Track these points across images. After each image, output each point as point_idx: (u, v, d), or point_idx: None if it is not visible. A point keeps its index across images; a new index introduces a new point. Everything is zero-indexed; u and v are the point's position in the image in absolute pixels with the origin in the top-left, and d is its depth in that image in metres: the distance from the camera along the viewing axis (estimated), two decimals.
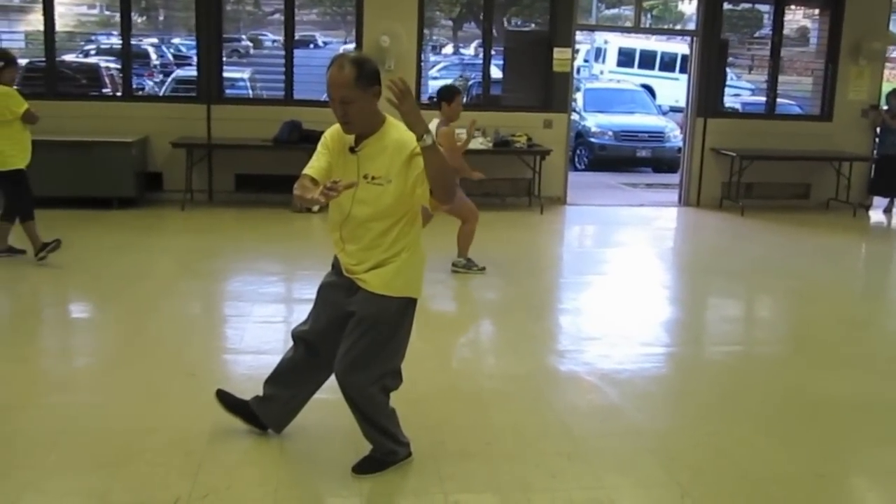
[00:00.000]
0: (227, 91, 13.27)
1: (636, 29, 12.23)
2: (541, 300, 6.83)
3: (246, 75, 14.32)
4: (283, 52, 10.55)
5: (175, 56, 19.98)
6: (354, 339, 3.48)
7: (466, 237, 7.21)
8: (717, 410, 4.66)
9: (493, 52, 10.88)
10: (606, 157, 14.33)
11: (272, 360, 4.03)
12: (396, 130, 3.32)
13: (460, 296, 6.93)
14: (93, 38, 17.32)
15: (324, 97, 11.97)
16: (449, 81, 15.09)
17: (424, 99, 11.11)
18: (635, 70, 21.46)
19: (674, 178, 12.09)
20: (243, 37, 27.93)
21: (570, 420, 4.41)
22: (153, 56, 17.23)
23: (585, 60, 22.20)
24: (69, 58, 12.65)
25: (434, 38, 21.31)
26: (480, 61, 11.11)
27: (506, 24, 11.78)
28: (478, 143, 10.11)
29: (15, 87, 6.96)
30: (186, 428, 4.10)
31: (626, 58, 21.81)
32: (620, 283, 7.46)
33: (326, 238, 9.60)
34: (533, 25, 11.64)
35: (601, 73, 21.86)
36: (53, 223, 7.73)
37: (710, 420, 4.53)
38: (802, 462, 4.06)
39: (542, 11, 10.94)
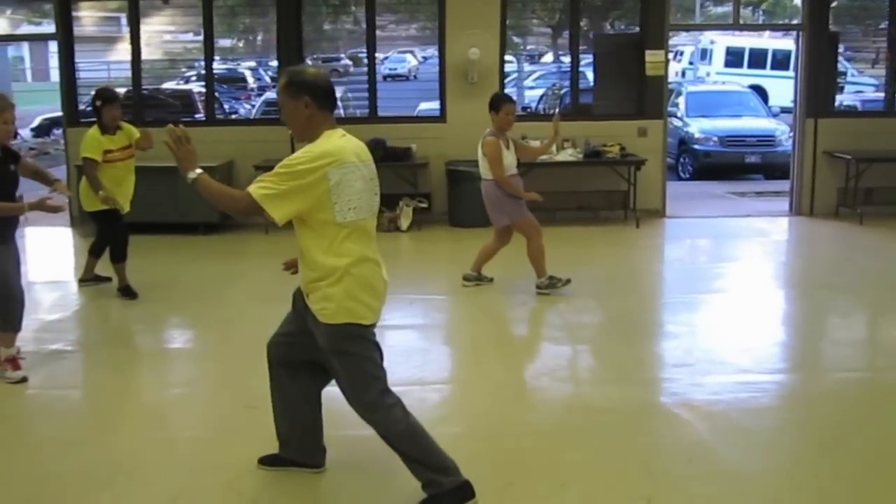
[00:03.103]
0: None
1: (734, 25, 11.53)
2: (632, 323, 6.35)
3: (338, 94, 14.39)
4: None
5: (272, 79, 20.41)
6: (336, 377, 3.51)
7: (536, 255, 6.83)
8: (824, 449, 4.15)
9: (584, 58, 10.46)
10: (712, 164, 13.57)
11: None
12: (310, 145, 3.31)
13: (545, 319, 6.55)
14: (195, 64, 17.87)
15: (409, 112, 11.94)
16: (541, 91, 14.78)
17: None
18: (745, 70, 20.48)
19: (786, 186, 11.30)
20: (342, 56, 28.36)
21: (653, 460, 4.01)
22: (250, 80, 17.56)
23: (690, 63, 21.37)
24: (167, 85, 12.95)
25: (529, 46, 20.96)
26: (591, 71, 10.70)
27: (596, 27, 11.29)
28: (567, 155, 9.71)
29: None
30: (243, 465, 3.94)
31: (734, 58, 20.83)
32: (723, 302, 6.89)
33: (414, 259, 9.34)
34: (624, 27, 11.14)
35: (707, 74, 20.97)
36: (140, 250, 7.79)
37: (815, 460, 4.04)
38: None
39: (634, 13, 10.43)
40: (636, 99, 10.15)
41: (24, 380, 5.07)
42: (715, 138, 13.58)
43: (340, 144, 3.33)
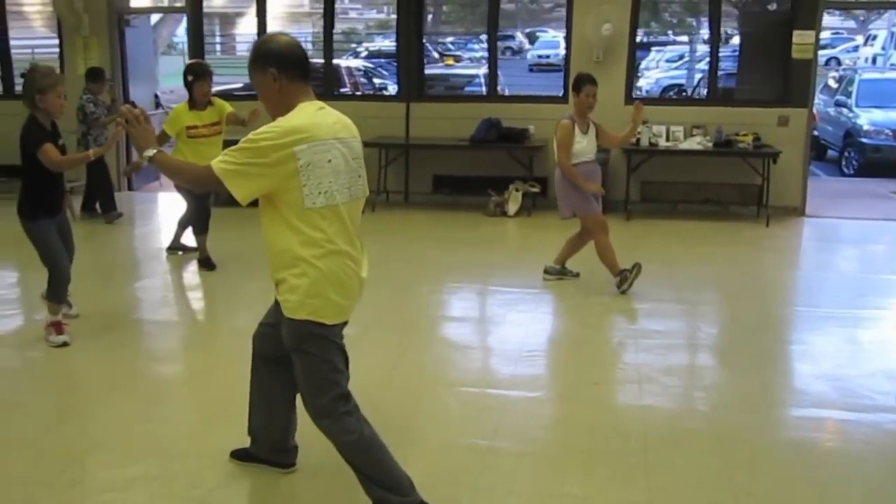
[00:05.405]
0: (467, 89, 13.00)
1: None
2: (716, 335, 5.63)
3: (482, 72, 14.06)
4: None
5: (441, 55, 20.34)
6: (295, 375, 3.18)
7: (604, 253, 6.25)
8: None
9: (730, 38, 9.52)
10: (882, 160, 12.06)
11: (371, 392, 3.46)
12: (280, 119, 2.96)
13: (617, 324, 5.87)
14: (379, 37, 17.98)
15: (526, 92, 11.20)
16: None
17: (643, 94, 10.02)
18: None
19: None
20: (518, 34, 27.79)
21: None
22: None
23: (883, 49, 19.30)
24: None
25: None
26: (735, 52, 9.77)
27: (746, 4, 10.24)
28: (694, 143, 8.86)
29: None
30: (216, 455, 3.72)
31: None
32: (841, 321, 5.84)
33: (508, 248, 8.79)
34: (775, 5, 10.02)
35: None
36: (234, 221, 7.77)
37: None
38: None
39: None
40: (780, 85, 9.09)
41: (64, 344, 5.11)
42: (888, 131, 12.12)
43: (314, 119, 2.95)
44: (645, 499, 3.43)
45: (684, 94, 15.13)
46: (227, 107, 6.92)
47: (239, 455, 3.69)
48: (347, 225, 3.03)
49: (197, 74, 6.75)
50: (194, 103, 6.76)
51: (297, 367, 3.13)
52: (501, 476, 3.62)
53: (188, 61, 7.44)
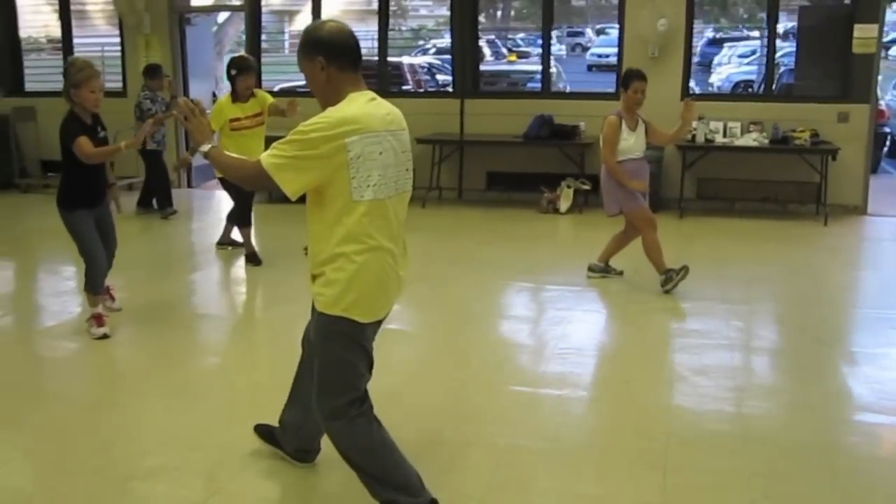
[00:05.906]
0: (528, 85, 12.98)
1: None
2: (754, 336, 5.46)
3: (540, 67, 13.97)
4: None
5: (510, 50, 20.27)
6: (313, 369, 3.10)
7: (650, 250, 6.13)
8: None
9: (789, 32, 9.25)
10: None
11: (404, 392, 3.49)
12: (329, 109, 2.86)
13: (653, 323, 5.71)
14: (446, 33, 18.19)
15: (580, 88, 10.99)
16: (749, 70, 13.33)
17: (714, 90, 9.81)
18: None
19: None
20: (587, 30, 27.47)
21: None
22: (487, 52, 17.41)
23: None
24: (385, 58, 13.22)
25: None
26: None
27: None
28: (751, 140, 8.63)
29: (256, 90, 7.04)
30: (234, 448, 3.76)
31: None
32: (893, 322, 5.64)
33: (557, 245, 8.65)
34: None
35: None
36: (288, 220, 7.90)
37: None
38: None
39: None
40: (840, 80, 8.80)
41: (105, 336, 5.21)
42: None
43: (366, 110, 2.85)
44: (659, 499, 3.36)
45: (750, 89, 14.80)
46: (269, 97, 7.00)
47: (262, 431, 3.70)
48: (391, 220, 2.93)
49: (241, 69, 6.83)
50: (237, 96, 6.86)
51: (318, 362, 3.06)
52: (516, 474, 3.58)
53: (233, 55, 7.59)
